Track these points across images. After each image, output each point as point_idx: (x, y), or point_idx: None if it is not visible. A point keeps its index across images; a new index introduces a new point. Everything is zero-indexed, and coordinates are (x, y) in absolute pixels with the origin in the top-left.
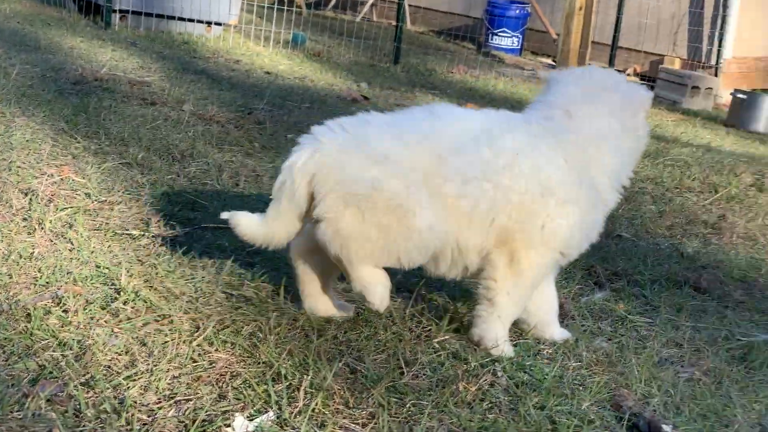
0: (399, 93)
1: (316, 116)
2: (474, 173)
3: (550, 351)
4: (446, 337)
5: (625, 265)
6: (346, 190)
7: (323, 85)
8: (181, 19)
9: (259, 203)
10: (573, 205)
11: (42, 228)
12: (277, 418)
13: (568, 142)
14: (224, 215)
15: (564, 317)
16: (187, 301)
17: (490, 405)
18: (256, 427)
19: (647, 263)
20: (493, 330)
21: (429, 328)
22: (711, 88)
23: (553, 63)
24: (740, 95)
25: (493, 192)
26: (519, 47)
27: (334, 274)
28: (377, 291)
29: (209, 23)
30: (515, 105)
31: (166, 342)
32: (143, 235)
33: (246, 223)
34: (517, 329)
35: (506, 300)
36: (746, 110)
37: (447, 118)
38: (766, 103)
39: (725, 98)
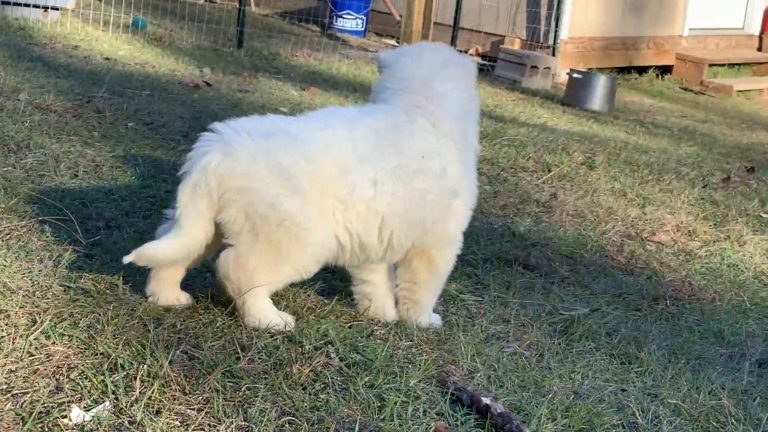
0: (242, 78)
1: (157, 104)
2: (385, 178)
3: (383, 332)
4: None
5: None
6: (248, 202)
7: (165, 71)
8: (17, 4)
9: (98, 192)
10: (468, 192)
11: None
12: (114, 407)
13: (451, 130)
14: (127, 259)
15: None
16: (23, 296)
17: (322, 386)
18: (93, 417)
19: (480, 243)
20: (424, 320)
21: None
22: (549, 68)
23: (397, 44)
24: (576, 74)
25: (408, 195)
26: (363, 29)
27: (193, 266)
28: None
29: (46, 8)
30: (358, 88)
31: (2, 337)
32: None
33: (161, 249)
34: (353, 311)
35: (428, 296)
36: (582, 89)
37: (343, 126)
38: (600, 82)
39: (563, 77)
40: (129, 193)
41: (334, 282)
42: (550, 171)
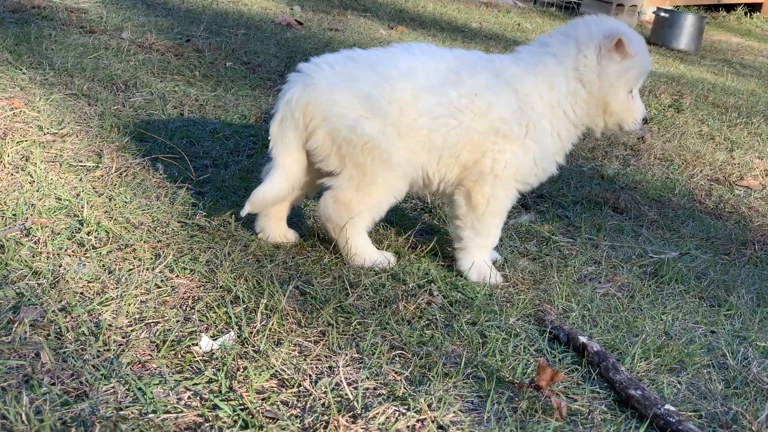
0: (332, 16)
1: (252, 43)
2: (441, 111)
3: None
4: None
5: (550, 188)
6: (332, 127)
7: (257, 9)
8: None
9: (204, 131)
10: (527, 139)
11: (1, 161)
12: (238, 337)
13: (516, 76)
14: (244, 212)
15: None
16: (146, 231)
17: (427, 322)
18: (221, 345)
19: (570, 186)
20: (466, 261)
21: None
22: (635, 6)
23: None
24: (662, 13)
25: (458, 129)
26: None
27: (296, 203)
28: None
29: None
30: (444, 26)
31: (131, 269)
32: (97, 166)
33: (268, 191)
34: (451, 251)
35: (472, 235)
36: (668, 28)
37: (423, 57)
38: (688, 21)
39: (649, 15)
40: (232, 132)
41: (433, 222)
42: None
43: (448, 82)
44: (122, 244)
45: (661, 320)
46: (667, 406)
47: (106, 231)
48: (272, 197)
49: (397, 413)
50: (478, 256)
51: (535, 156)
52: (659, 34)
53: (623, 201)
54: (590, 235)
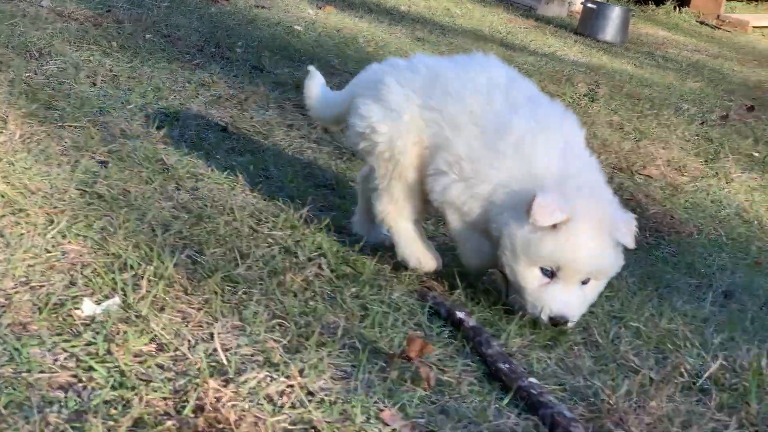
0: None
1: (175, 16)
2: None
3: (373, 245)
4: (280, 233)
5: None
6: None
7: None
8: None
9: (115, 102)
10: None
11: None
12: (122, 302)
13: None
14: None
15: None
16: (42, 197)
17: (312, 294)
18: (103, 310)
19: None
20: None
21: (267, 224)
22: None
23: None
24: (590, 4)
25: None
26: None
27: None
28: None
29: None
30: (373, 8)
31: (22, 234)
32: (1, 132)
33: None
34: (347, 226)
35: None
36: (595, 19)
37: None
38: (614, 13)
39: (578, 6)
40: (144, 104)
41: (332, 198)
42: None
43: None
44: (16, 209)
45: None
46: (531, 379)
47: (2, 195)
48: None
49: (269, 378)
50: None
51: None
52: (587, 25)
53: None
54: None
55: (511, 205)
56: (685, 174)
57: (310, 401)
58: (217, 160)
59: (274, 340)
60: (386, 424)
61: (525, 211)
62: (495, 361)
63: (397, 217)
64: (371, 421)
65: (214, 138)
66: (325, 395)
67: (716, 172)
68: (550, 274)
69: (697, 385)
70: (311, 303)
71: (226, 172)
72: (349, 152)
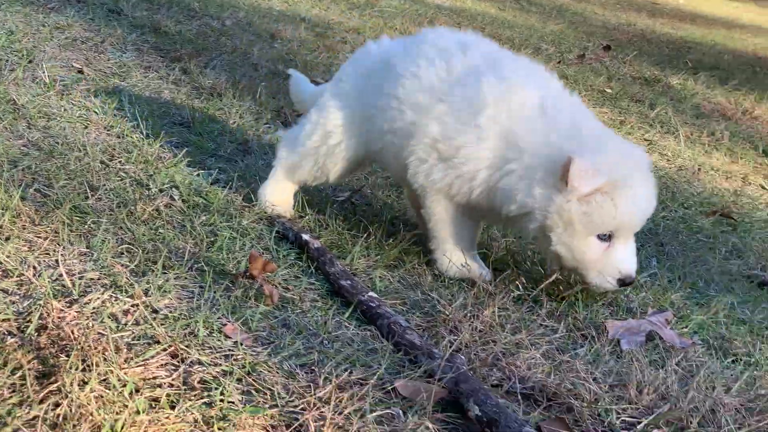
0: None
1: None
2: None
3: (226, 178)
4: (132, 167)
5: None
6: None
7: None
8: None
9: None
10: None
11: None
12: None
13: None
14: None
15: (246, 153)
16: None
17: (162, 223)
18: None
19: None
20: (438, 258)
21: (119, 159)
22: None
23: None
24: None
25: None
26: None
27: None
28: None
29: None
30: None
31: None
32: None
33: None
34: (202, 162)
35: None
36: None
37: None
38: None
39: None
40: None
41: (188, 135)
42: None
43: None
44: None
45: (392, 226)
46: (370, 293)
47: None
48: None
49: (114, 299)
50: (445, 253)
51: None
52: None
53: None
54: None
55: (539, 180)
56: None
57: (154, 318)
58: (71, 100)
59: (122, 265)
60: (228, 337)
61: (560, 181)
62: (338, 278)
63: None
64: (214, 335)
65: (69, 80)
66: (170, 312)
67: None
68: (607, 237)
69: (532, 296)
70: (161, 231)
71: (79, 112)
72: (207, 92)
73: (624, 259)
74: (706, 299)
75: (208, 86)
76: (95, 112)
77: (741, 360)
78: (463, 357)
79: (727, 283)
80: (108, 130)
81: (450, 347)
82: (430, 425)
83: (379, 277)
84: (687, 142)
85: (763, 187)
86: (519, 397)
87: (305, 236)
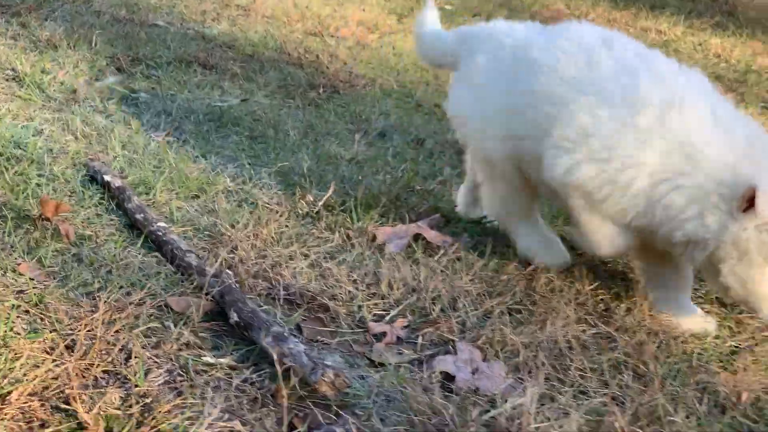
0: None
1: None
2: None
3: (48, 130)
4: None
5: (147, 51)
6: None
7: None
8: None
9: None
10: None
11: None
12: None
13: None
14: None
15: (75, 102)
16: None
17: None
18: None
19: (170, 47)
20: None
21: None
22: None
23: None
24: None
25: None
26: None
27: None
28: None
29: None
30: None
31: None
32: None
33: None
34: (28, 114)
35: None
36: None
37: None
38: None
39: None
40: None
41: (17, 89)
42: None
43: None
44: None
45: (204, 158)
46: (160, 224)
47: None
48: None
49: None
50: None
51: None
52: None
53: (213, 58)
54: (172, 91)
55: (714, 206)
56: (377, 32)
57: None
58: None
59: None
60: (22, 275)
61: (738, 209)
62: (133, 213)
63: (509, 217)
64: (8, 274)
65: None
66: None
67: (405, 28)
68: None
69: (314, 211)
70: None
71: None
72: (44, 44)
73: None
74: None
75: (45, 39)
76: None
77: (497, 252)
78: (230, 272)
79: None
80: None
81: (221, 264)
82: (190, 334)
83: (177, 207)
84: None
85: None
86: (281, 302)
87: (107, 177)
